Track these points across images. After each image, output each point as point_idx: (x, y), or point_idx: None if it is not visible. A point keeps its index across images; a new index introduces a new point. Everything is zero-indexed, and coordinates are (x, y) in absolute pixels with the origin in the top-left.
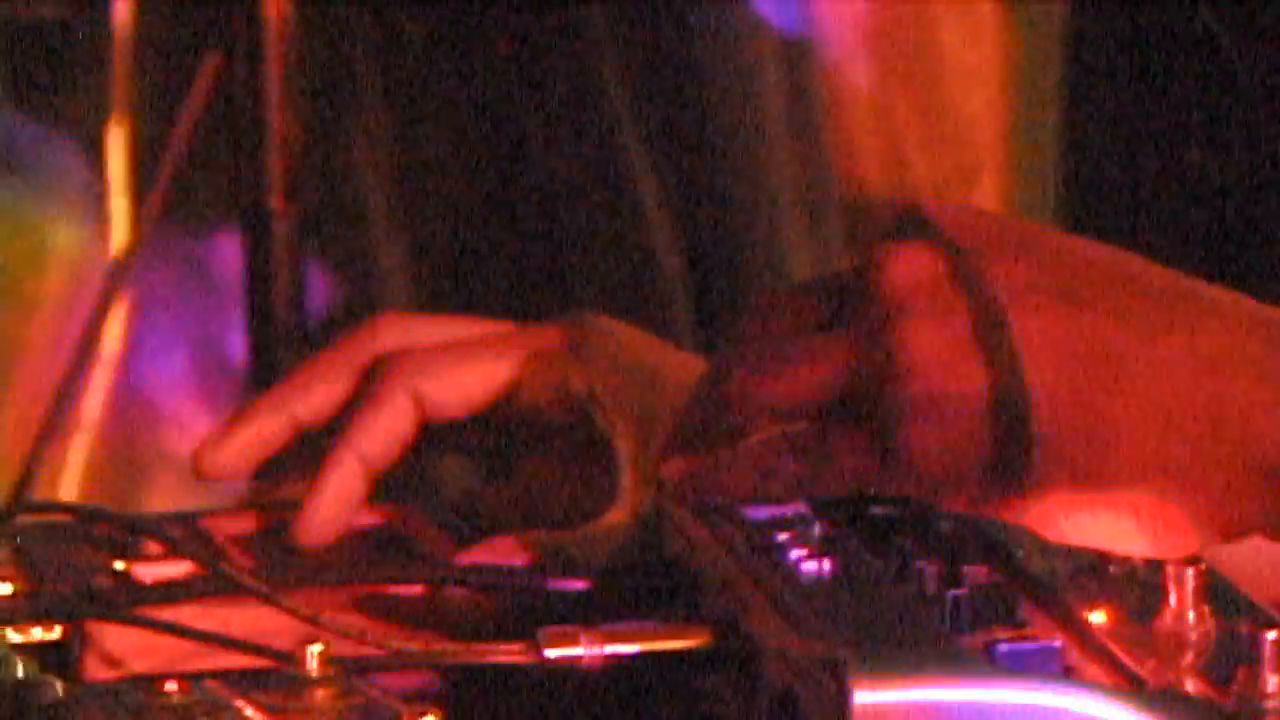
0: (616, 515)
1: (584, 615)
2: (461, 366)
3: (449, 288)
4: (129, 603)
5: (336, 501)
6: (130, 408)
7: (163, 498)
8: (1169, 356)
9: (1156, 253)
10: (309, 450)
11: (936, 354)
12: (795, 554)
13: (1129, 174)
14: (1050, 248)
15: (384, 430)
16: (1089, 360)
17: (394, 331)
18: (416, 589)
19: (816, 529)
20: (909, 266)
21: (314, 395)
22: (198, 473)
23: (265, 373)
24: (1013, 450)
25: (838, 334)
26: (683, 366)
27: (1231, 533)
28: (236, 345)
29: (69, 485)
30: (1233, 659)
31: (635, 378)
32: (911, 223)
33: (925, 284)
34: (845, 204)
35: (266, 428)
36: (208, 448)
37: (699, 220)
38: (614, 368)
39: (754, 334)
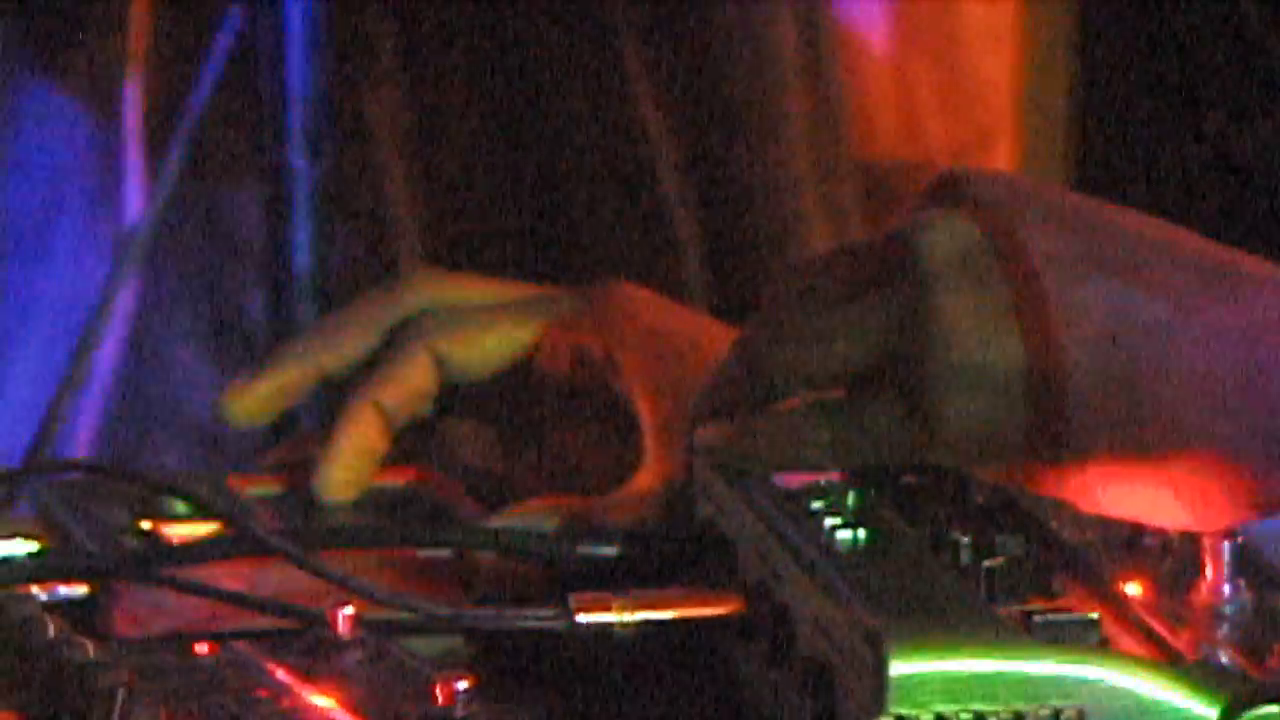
0: (641, 481)
1: (612, 581)
2: (482, 329)
3: (466, 247)
4: (158, 562)
5: (354, 451)
6: (146, 365)
7: (179, 456)
8: (1208, 327)
9: (1171, 216)
10: (333, 405)
11: (974, 323)
12: (829, 522)
13: (1145, 138)
14: (1089, 217)
15: (401, 383)
16: (1128, 331)
17: (426, 288)
18: (446, 553)
19: (851, 498)
20: (946, 235)
21: (341, 346)
22: (223, 417)
23: (285, 331)
24: (1050, 421)
25: (874, 301)
26: (708, 333)
27: (1269, 507)
28: (253, 303)
29: (85, 441)
30: (1269, 632)
31: (659, 344)
32: (948, 189)
33: (962, 253)
34: (861, 167)
35: (293, 376)
36: (233, 393)
37: (713, 182)
38: (636, 334)
39: (788, 300)
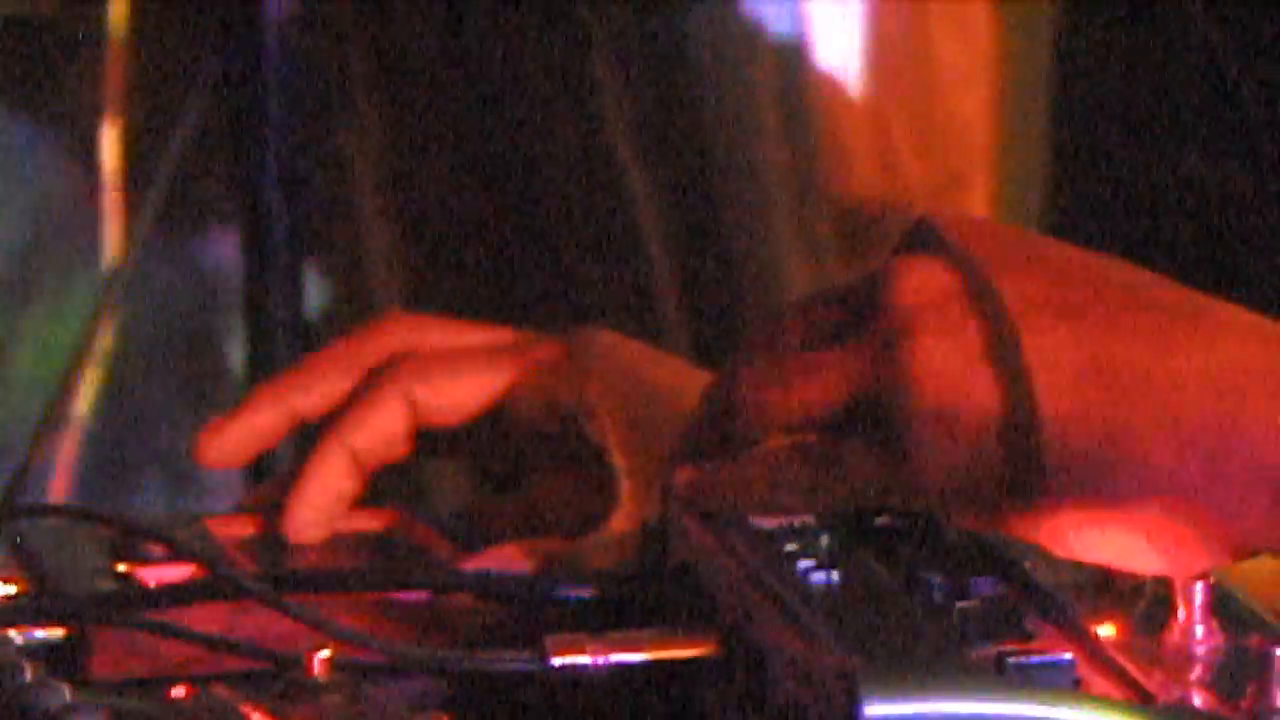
0: (616, 525)
1: (589, 623)
2: (456, 374)
3: (443, 288)
4: (134, 605)
5: (321, 494)
6: (124, 407)
7: (155, 497)
8: (1181, 374)
9: (1143, 257)
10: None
11: (948, 369)
12: (804, 564)
13: (1119, 178)
14: (1063, 263)
15: (374, 428)
16: (1101, 378)
17: (400, 331)
18: (422, 595)
19: (825, 540)
20: (921, 280)
21: (315, 389)
22: (198, 459)
23: (262, 372)
24: (1024, 467)
25: (849, 346)
26: (683, 377)
27: (1242, 551)
28: (231, 345)
29: (62, 484)
30: (1242, 674)
31: (633, 389)
32: (923, 235)
33: (937, 298)
34: (838, 209)
35: (267, 418)
36: (208, 435)
37: (691, 223)
38: (611, 379)
39: (765, 344)
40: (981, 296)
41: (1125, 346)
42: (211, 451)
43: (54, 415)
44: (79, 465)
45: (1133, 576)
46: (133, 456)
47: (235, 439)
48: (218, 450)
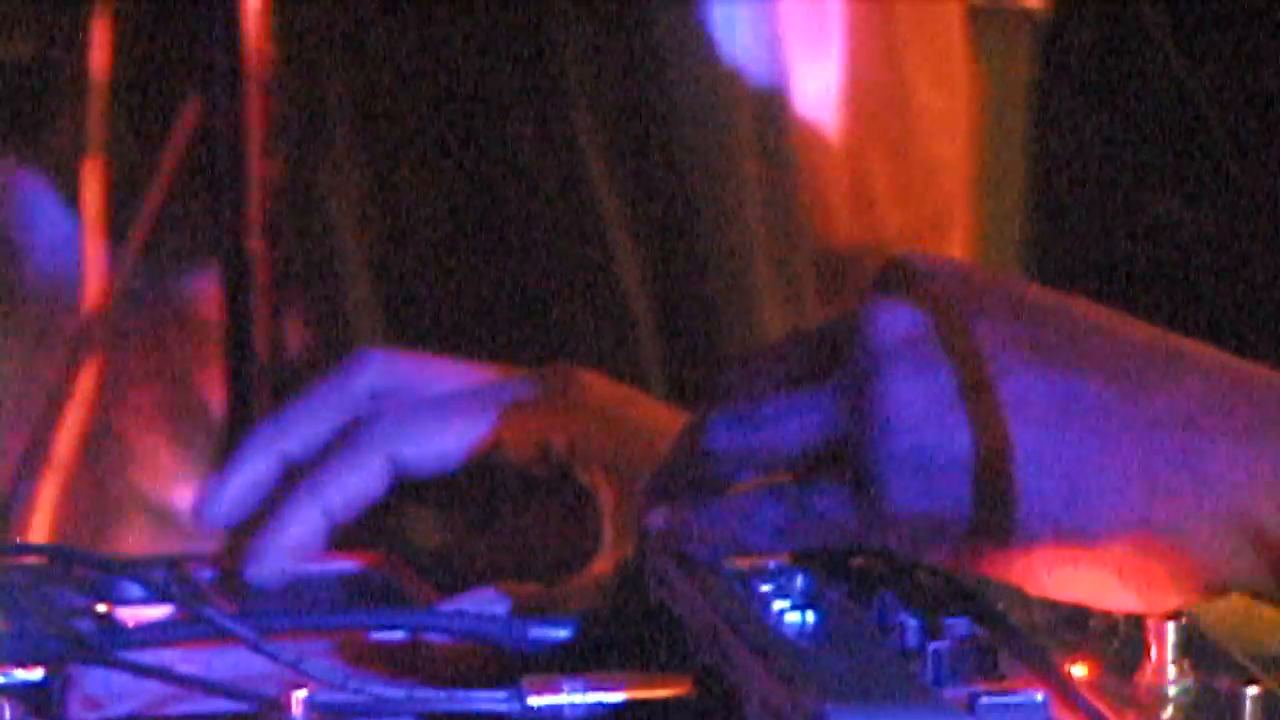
0: (600, 567)
1: (566, 664)
2: (439, 426)
3: (423, 329)
4: (113, 645)
5: (290, 548)
6: (104, 448)
7: (137, 539)
8: (1152, 414)
9: (1122, 300)
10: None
11: (920, 409)
12: (778, 605)
13: (1097, 221)
14: (1035, 304)
15: (352, 489)
16: (1072, 419)
17: (377, 370)
18: (400, 636)
19: (799, 581)
20: (892, 321)
21: (302, 434)
22: (202, 523)
23: (243, 414)
24: (995, 507)
25: (823, 386)
26: (662, 418)
27: (1213, 589)
28: (212, 387)
29: (42, 525)
30: (1213, 715)
31: (615, 430)
32: (896, 276)
33: (909, 339)
34: (816, 249)
35: (259, 469)
36: (208, 497)
37: (671, 268)
38: (593, 420)
39: (736, 385)
40: (953, 338)
41: (1097, 388)
42: (217, 513)
43: (33, 455)
44: (59, 505)
45: (1106, 616)
46: (113, 497)
47: (235, 497)
48: (223, 511)
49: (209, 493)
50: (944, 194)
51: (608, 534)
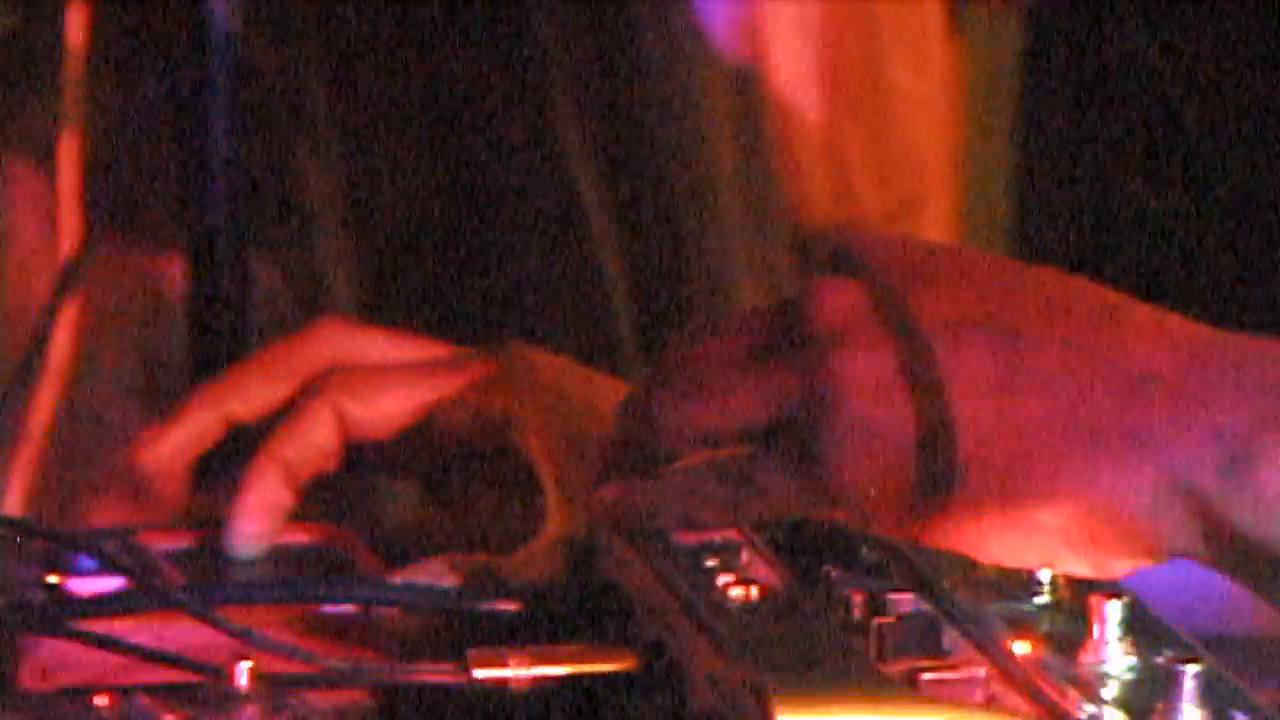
0: (544, 539)
1: (516, 637)
2: (384, 388)
3: (394, 299)
4: (62, 616)
5: (261, 508)
6: (75, 421)
7: (108, 511)
8: (1093, 379)
9: (1098, 273)
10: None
11: (866, 383)
12: (723, 580)
13: (1076, 203)
14: (978, 276)
15: (304, 440)
16: (1013, 387)
17: (332, 339)
18: (349, 608)
19: (744, 555)
20: (838, 300)
21: (249, 394)
22: (135, 465)
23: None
24: (940, 477)
25: (770, 363)
26: (612, 392)
27: (1158, 554)
28: (183, 360)
29: (12, 497)
30: (1154, 692)
31: (559, 403)
32: (844, 255)
33: (854, 318)
34: (792, 229)
35: (202, 424)
36: (145, 444)
37: (647, 245)
38: (536, 393)
39: (681, 361)
40: (895, 315)
41: (1039, 356)
42: (150, 460)
43: (3, 428)
44: (29, 479)
45: (1050, 590)
46: (84, 470)
47: (172, 444)
48: (156, 456)
49: (145, 438)
50: (922, 175)
51: (552, 506)
